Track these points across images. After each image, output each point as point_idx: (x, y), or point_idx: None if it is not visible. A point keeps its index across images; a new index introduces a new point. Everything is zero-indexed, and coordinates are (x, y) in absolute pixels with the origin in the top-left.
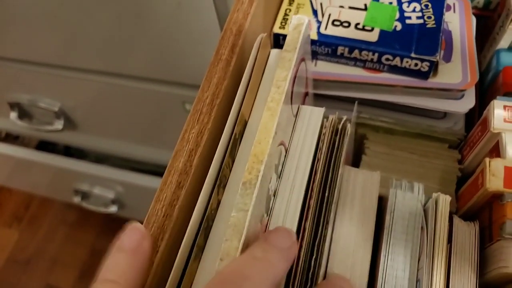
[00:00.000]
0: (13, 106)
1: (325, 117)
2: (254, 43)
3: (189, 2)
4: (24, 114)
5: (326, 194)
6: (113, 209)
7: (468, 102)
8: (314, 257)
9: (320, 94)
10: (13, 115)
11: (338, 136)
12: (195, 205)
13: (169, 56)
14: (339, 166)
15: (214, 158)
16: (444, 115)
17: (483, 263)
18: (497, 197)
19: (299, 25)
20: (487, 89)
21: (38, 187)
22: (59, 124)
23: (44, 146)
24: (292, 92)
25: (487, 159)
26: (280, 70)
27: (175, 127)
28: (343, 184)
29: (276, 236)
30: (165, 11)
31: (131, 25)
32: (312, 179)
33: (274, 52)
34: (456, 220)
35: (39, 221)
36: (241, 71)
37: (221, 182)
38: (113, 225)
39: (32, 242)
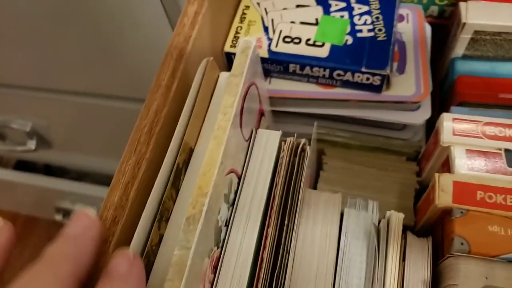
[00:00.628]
0: None
1: (283, 140)
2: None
3: (145, 22)
4: None
5: (286, 222)
6: None
7: (424, 114)
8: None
9: (277, 111)
10: None
11: (297, 159)
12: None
13: (141, 75)
14: (299, 190)
15: (152, 190)
16: (403, 126)
17: (436, 280)
18: (447, 212)
19: (247, 48)
20: (445, 98)
21: (21, 206)
22: (31, 144)
23: (24, 164)
24: (241, 117)
25: (436, 174)
26: (227, 96)
27: None
28: (304, 208)
29: (114, 265)
30: (131, 32)
31: (99, 46)
32: (270, 206)
33: (224, 75)
34: (410, 237)
35: (24, 240)
36: (184, 97)
37: (162, 216)
38: None
39: (17, 262)
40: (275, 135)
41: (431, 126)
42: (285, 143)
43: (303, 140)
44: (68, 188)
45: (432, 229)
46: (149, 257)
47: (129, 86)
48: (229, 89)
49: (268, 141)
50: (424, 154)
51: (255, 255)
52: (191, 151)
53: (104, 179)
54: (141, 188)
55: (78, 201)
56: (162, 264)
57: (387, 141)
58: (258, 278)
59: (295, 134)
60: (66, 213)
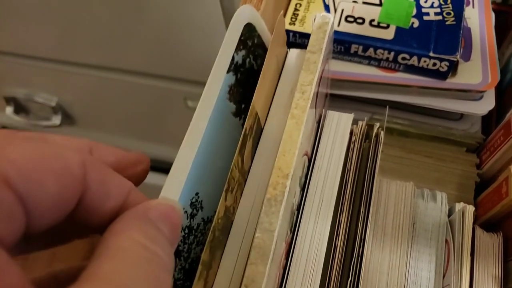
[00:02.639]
0: (9, 100)
1: (354, 123)
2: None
3: None
4: (20, 109)
5: (362, 209)
6: None
7: (487, 104)
8: (348, 279)
9: (332, 94)
10: (9, 110)
11: (372, 145)
12: None
13: (170, 51)
14: (373, 178)
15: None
16: (460, 116)
17: (506, 275)
18: None
19: (324, 24)
20: (506, 89)
21: None
22: (56, 120)
23: None
24: (316, 98)
25: (511, 167)
26: (305, 73)
27: (176, 123)
28: (374, 196)
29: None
30: (167, 4)
31: (130, 19)
32: (342, 192)
33: (294, 52)
34: (479, 231)
35: None
36: None
37: (229, 186)
38: None
39: None
40: (347, 118)
41: (486, 117)
42: (356, 126)
43: (377, 124)
44: None
45: (499, 224)
46: (214, 232)
47: (156, 63)
48: (307, 65)
49: (340, 124)
50: (487, 146)
51: (328, 243)
52: (256, 118)
53: None
54: None
55: None
56: (231, 244)
57: (447, 131)
58: (332, 266)
59: (366, 118)
60: None
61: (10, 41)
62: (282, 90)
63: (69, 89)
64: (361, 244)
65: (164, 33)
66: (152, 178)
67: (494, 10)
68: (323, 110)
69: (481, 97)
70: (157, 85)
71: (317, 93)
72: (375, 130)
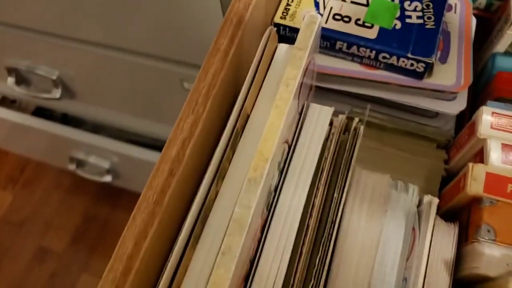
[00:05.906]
0: (11, 71)
1: (334, 115)
2: (254, 33)
3: None
4: (21, 80)
5: (335, 195)
6: (107, 178)
7: (459, 104)
8: (318, 255)
9: (317, 86)
10: (11, 80)
11: (350, 137)
12: (186, 194)
13: (169, 33)
14: (349, 168)
15: (216, 150)
16: (436, 114)
17: (458, 261)
18: (476, 200)
19: (312, 23)
20: (481, 91)
21: (34, 152)
22: (56, 93)
23: (42, 111)
24: (300, 89)
25: (470, 164)
26: (291, 68)
27: (172, 103)
28: (353, 185)
29: None
30: None
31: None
32: (318, 178)
33: (283, 47)
34: (438, 221)
35: (34, 184)
36: (239, 62)
37: (220, 174)
38: (107, 194)
39: (26, 205)
40: (327, 111)
41: (460, 116)
42: (337, 119)
43: (356, 119)
44: (84, 138)
45: (457, 214)
46: (206, 211)
47: (155, 45)
48: (293, 61)
49: (320, 116)
50: (455, 144)
51: (301, 222)
52: (247, 117)
53: (119, 133)
54: (197, 146)
55: (93, 153)
56: (216, 218)
57: (421, 127)
58: (304, 243)
59: (346, 112)
60: (80, 163)
61: (13, 13)
62: (269, 81)
63: (70, 63)
64: (333, 225)
65: (164, 16)
66: (146, 154)
67: (477, 15)
68: (307, 101)
69: (454, 98)
70: (155, 65)
71: (301, 85)
72: (354, 124)
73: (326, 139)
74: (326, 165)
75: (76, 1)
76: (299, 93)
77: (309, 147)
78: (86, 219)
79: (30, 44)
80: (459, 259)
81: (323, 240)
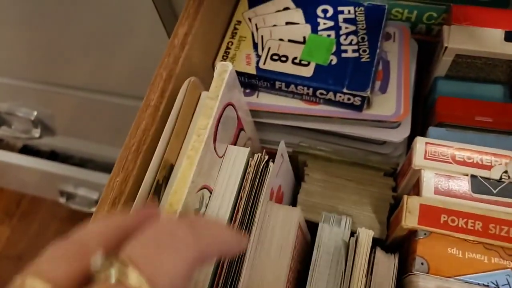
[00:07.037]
0: None
1: (251, 156)
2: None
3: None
4: (2, 121)
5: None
6: None
7: (403, 132)
8: None
9: (262, 122)
10: None
11: (259, 175)
12: None
13: (145, 75)
14: (257, 204)
15: (133, 205)
16: (384, 141)
17: None
18: (413, 233)
19: (223, 72)
20: (429, 111)
21: (26, 187)
22: (35, 133)
23: (30, 148)
24: (215, 136)
25: (405, 197)
26: (202, 118)
27: None
28: (265, 220)
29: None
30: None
31: (104, 45)
32: (233, 218)
33: (205, 95)
34: (378, 252)
35: (30, 217)
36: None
37: None
38: None
39: (23, 238)
40: (243, 152)
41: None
42: (252, 159)
43: (266, 157)
44: (71, 173)
45: (401, 245)
46: None
47: (128, 85)
48: (204, 111)
49: (237, 157)
50: (400, 171)
51: (215, 269)
52: (171, 167)
53: (105, 166)
54: (127, 203)
55: (81, 186)
56: None
57: (366, 157)
58: (218, 283)
59: (264, 150)
60: (70, 196)
61: None
62: (194, 129)
63: (48, 104)
64: (241, 264)
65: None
66: None
67: (418, 40)
68: (229, 144)
69: (398, 125)
70: (136, 105)
71: (216, 133)
72: (264, 162)
73: (243, 179)
74: (242, 205)
75: (50, 48)
76: (215, 139)
77: (226, 188)
78: None
79: (8, 89)
80: None
81: (233, 277)
